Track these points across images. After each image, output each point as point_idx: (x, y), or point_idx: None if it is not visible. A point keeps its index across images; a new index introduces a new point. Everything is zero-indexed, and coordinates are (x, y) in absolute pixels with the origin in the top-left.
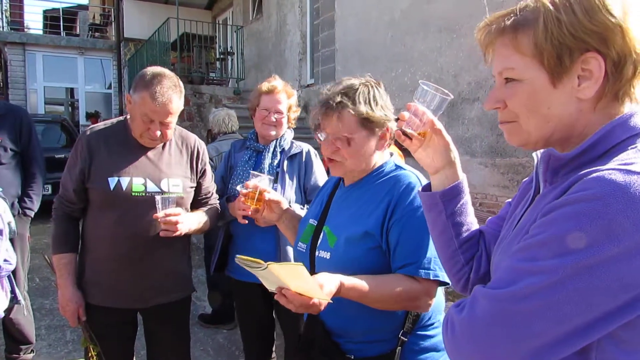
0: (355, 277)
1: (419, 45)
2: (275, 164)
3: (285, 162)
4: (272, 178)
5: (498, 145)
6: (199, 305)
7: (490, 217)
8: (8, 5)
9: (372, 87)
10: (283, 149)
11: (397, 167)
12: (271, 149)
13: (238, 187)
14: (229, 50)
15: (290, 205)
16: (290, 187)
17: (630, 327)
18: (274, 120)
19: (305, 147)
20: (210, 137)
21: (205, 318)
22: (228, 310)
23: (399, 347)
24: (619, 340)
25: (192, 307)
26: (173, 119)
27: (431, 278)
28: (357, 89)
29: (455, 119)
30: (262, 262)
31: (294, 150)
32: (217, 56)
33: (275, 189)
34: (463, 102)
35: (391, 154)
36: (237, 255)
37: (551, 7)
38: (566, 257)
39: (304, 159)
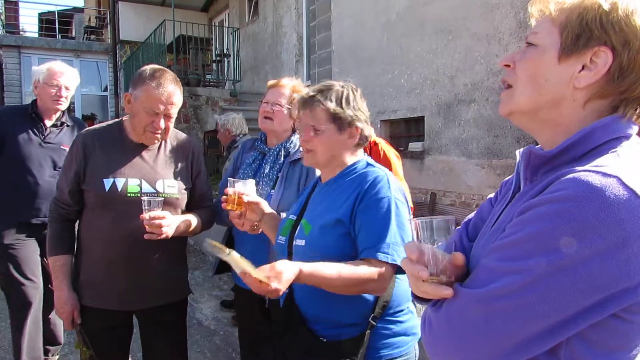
0: (315, 264)
1: (415, 46)
2: (276, 168)
3: (287, 167)
4: (254, 181)
5: (494, 147)
6: (196, 308)
7: (466, 220)
8: (3, 8)
9: (347, 89)
10: (288, 152)
11: (369, 164)
12: (275, 152)
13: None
14: (225, 52)
15: (280, 215)
16: (290, 191)
17: (600, 328)
18: (270, 110)
19: None
20: (224, 141)
21: (226, 304)
22: None
23: (368, 331)
24: (588, 340)
25: (188, 309)
26: (175, 113)
27: (389, 262)
28: (332, 89)
29: (452, 121)
30: (225, 249)
31: (297, 155)
32: (214, 58)
33: (271, 195)
34: (459, 104)
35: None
36: (207, 239)
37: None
38: (540, 258)
39: None
